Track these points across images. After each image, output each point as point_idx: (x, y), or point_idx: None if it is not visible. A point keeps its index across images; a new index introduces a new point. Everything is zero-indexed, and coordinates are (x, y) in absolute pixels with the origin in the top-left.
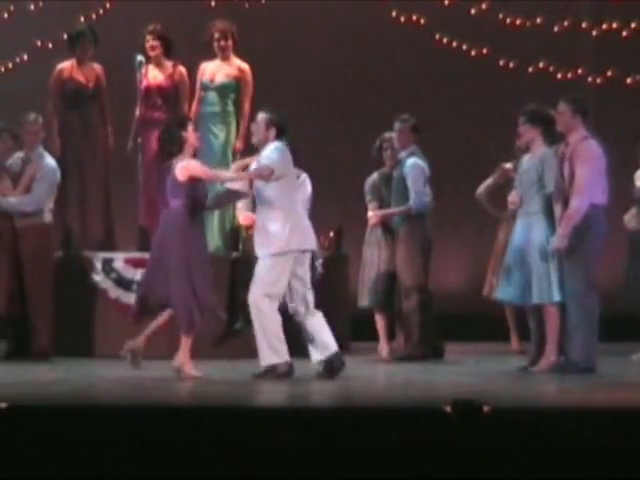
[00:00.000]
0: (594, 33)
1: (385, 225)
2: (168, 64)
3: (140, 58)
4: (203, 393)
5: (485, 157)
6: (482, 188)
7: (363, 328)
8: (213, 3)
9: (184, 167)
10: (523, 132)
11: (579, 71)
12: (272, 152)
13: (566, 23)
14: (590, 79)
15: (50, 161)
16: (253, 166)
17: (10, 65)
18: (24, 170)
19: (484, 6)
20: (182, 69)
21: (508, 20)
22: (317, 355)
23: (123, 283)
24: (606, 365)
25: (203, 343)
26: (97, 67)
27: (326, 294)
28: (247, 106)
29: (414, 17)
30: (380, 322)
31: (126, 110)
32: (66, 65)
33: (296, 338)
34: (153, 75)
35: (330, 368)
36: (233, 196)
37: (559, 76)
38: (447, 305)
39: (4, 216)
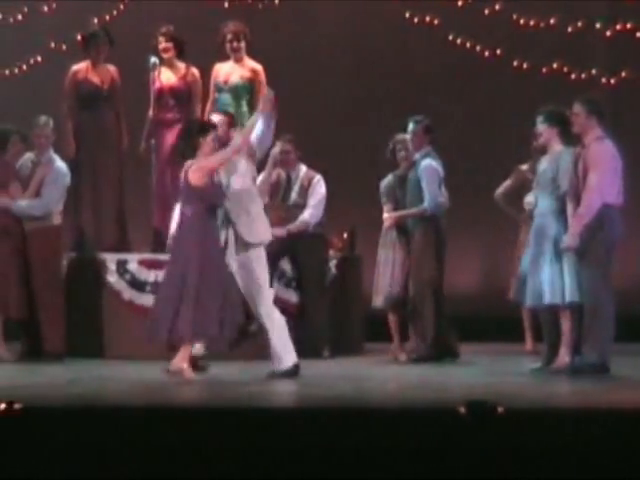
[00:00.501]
0: (608, 34)
1: (400, 226)
2: (181, 65)
3: (153, 59)
4: (217, 394)
5: (499, 158)
6: (500, 190)
7: (376, 329)
8: (226, 4)
9: (197, 169)
10: (541, 132)
11: (593, 72)
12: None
13: (580, 24)
14: (604, 80)
15: (60, 164)
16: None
17: (24, 67)
18: (34, 173)
19: (498, 7)
20: (195, 70)
21: (522, 21)
22: None
23: (137, 284)
24: (621, 366)
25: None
26: (112, 68)
27: (339, 295)
28: None
29: (428, 18)
30: (394, 323)
31: (139, 111)
32: (80, 67)
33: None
34: (166, 77)
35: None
36: None
37: (573, 77)
38: (462, 306)
39: (13, 219)
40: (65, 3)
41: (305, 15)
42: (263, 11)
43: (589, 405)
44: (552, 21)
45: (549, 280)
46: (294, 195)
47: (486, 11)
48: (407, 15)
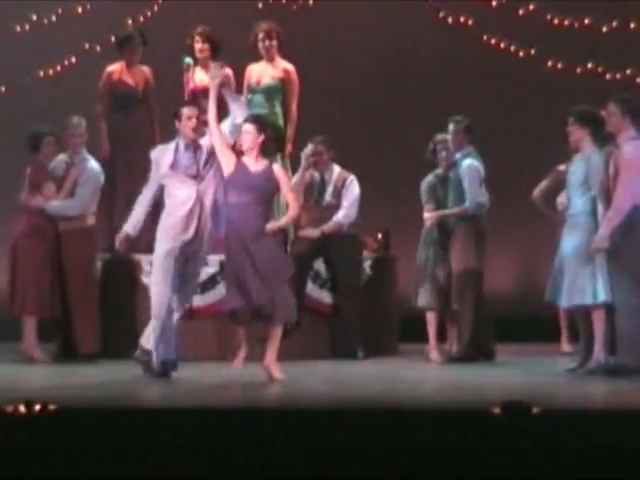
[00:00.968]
0: None
1: (441, 226)
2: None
3: (187, 60)
4: (248, 395)
5: (534, 158)
6: (537, 191)
7: (411, 330)
8: (260, 5)
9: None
10: (572, 132)
11: (628, 71)
12: None
13: (615, 24)
14: (639, 80)
15: (94, 165)
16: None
17: (58, 68)
18: (67, 174)
19: (532, 7)
20: (228, 71)
21: (556, 21)
22: None
23: None
24: None
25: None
26: (146, 70)
27: (374, 296)
28: (294, 107)
29: (462, 18)
30: (431, 323)
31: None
32: (115, 68)
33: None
34: (200, 77)
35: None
36: None
37: (608, 77)
38: (498, 306)
39: (48, 219)
40: (99, 4)
41: (339, 15)
42: (297, 11)
43: (624, 406)
44: (587, 21)
45: (581, 281)
46: (328, 196)
47: (520, 11)
48: (441, 15)
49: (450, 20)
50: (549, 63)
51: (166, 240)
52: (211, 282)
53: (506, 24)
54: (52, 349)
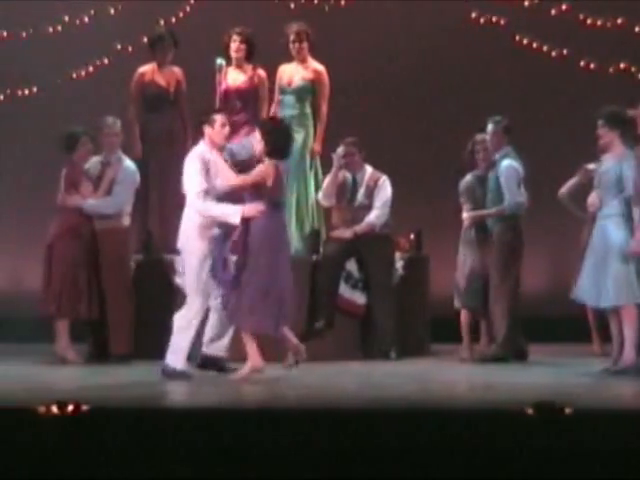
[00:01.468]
0: None
1: (479, 226)
2: (248, 67)
3: (220, 61)
4: (282, 395)
5: (566, 158)
6: (565, 189)
7: (443, 330)
8: (292, 5)
9: None
10: (601, 134)
11: None
12: None
13: None
14: None
15: (130, 164)
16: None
17: (90, 69)
18: (103, 174)
19: (564, 7)
20: (262, 72)
21: (589, 21)
22: None
23: None
24: None
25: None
26: (177, 70)
27: (406, 296)
28: (324, 108)
29: (494, 18)
30: (465, 322)
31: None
32: (147, 69)
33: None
34: (233, 78)
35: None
36: None
37: None
38: (530, 306)
39: (84, 218)
40: (131, 5)
41: (371, 16)
42: (329, 12)
43: None
44: (619, 21)
45: (613, 282)
46: (360, 197)
47: (553, 11)
48: (473, 15)
49: (482, 20)
50: (581, 63)
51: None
52: None
53: (538, 24)
54: (84, 350)
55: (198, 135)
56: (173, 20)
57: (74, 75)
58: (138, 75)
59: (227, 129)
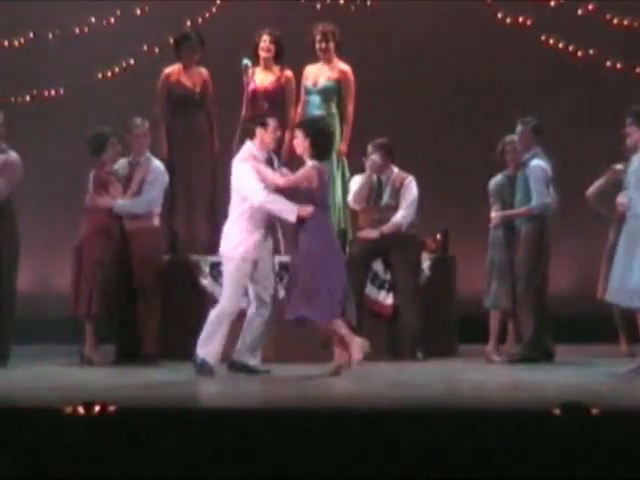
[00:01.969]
0: None
1: (507, 226)
2: (275, 68)
3: (246, 61)
4: (308, 394)
5: (593, 158)
6: (592, 189)
7: (470, 330)
8: (318, 5)
9: None
10: (630, 133)
11: None
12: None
13: None
14: None
15: (158, 164)
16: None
17: (116, 70)
18: (132, 174)
19: (591, 7)
20: (289, 73)
21: (615, 21)
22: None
23: None
24: None
25: (309, 345)
26: (203, 71)
27: (433, 296)
28: (350, 108)
29: (520, 19)
30: (494, 323)
31: (232, 114)
32: (173, 70)
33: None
34: (260, 78)
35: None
36: None
37: None
38: (557, 306)
39: (114, 219)
40: (157, 5)
41: (397, 16)
42: (356, 12)
43: None
44: None
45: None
46: (386, 197)
47: (579, 11)
48: (499, 16)
49: (508, 20)
50: (608, 63)
51: None
52: None
53: (565, 24)
54: (110, 350)
55: (244, 136)
56: (200, 21)
57: (100, 76)
58: (164, 76)
59: (279, 133)
